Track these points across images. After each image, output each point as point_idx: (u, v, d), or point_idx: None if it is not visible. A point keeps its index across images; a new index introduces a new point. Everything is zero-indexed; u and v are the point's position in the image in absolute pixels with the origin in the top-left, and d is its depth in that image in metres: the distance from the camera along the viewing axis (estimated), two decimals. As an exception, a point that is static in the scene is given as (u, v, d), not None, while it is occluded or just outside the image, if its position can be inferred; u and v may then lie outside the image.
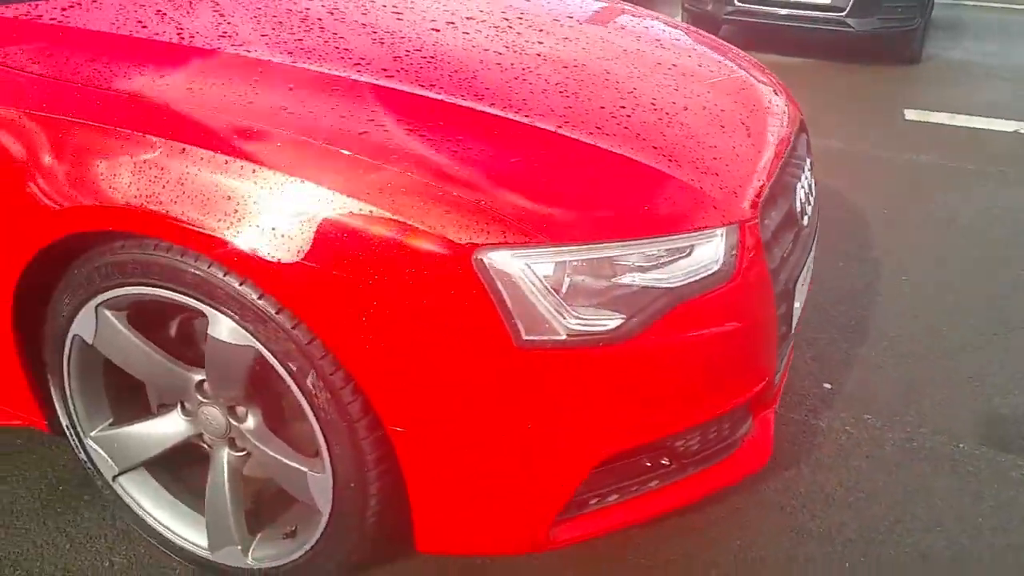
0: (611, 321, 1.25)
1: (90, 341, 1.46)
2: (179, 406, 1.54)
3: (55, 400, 1.58)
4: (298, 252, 1.20)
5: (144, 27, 1.50)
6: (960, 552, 1.73)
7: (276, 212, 1.21)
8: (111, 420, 1.59)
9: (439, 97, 1.40)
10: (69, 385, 1.54)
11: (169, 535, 1.61)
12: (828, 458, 1.98)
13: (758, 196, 1.44)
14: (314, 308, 1.23)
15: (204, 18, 1.57)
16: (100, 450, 1.58)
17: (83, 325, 1.44)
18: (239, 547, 1.53)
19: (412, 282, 1.20)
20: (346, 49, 1.52)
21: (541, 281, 1.21)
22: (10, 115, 1.35)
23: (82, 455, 1.62)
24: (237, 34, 1.52)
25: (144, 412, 1.62)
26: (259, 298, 1.27)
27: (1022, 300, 2.76)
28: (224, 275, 1.27)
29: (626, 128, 1.44)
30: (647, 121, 1.49)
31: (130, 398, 1.61)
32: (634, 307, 1.26)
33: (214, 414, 1.48)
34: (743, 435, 1.58)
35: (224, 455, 1.52)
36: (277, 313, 1.26)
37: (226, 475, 1.51)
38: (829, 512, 1.82)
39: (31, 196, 1.34)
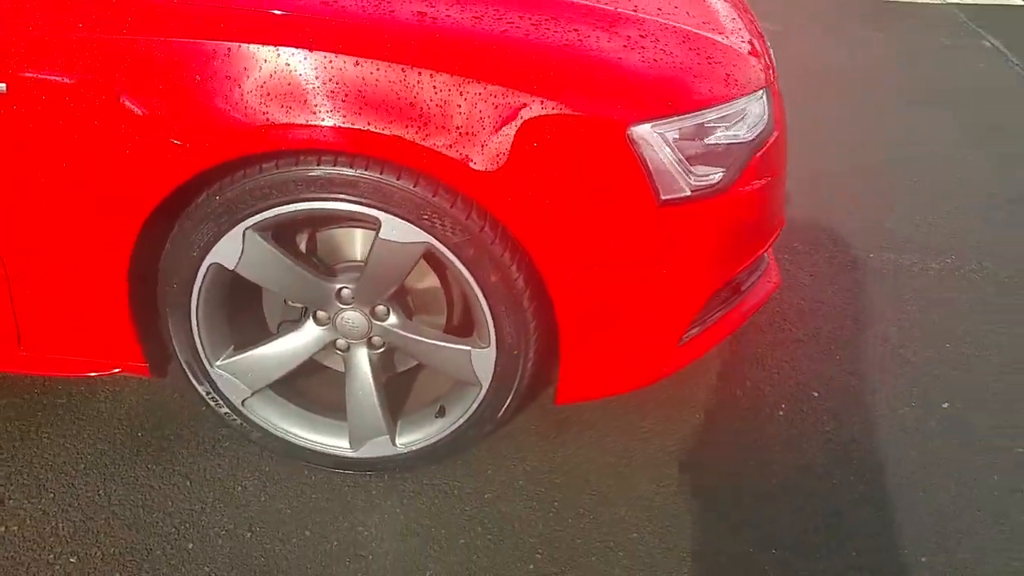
0: (716, 175, 1.52)
1: (231, 267, 1.50)
2: (311, 318, 1.62)
3: (174, 337, 1.60)
4: (471, 145, 1.35)
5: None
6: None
7: (448, 112, 1.34)
8: (233, 347, 1.64)
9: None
10: (197, 317, 1.56)
11: (304, 443, 1.71)
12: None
13: (770, 59, 1.76)
14: (488, 194, 1.38)
15: None
16: (231, 376, 1.63)
17: (224, 252, 1.48)
18: (386, 436, 1.68)
19: (576, 158, 1.39)
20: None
21: (672, 148, 1.46)
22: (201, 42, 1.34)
23: (202, 387, 1.65)
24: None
25: (263, 334, 1.68)
26: (434, 195, 1.40)
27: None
28: (398, 178, 1.39)
29: (676, 8, 1.68)
30: (682, 4, 1.73)
31: (246, 323, 1.66)
32: (727, 161, 1.54)
33: (355, 317, 1.59)
34: (764, 267, 1.95)
35: (364, 355, 1.64)
36: (451, 207, 1.41)
37: (370, 372, 1.64)
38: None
39: (189, 120, 1.35)
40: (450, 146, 1.35)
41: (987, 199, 2.95)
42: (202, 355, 1.61)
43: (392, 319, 1.60)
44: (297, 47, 1.33)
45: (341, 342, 1.64)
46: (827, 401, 1.99)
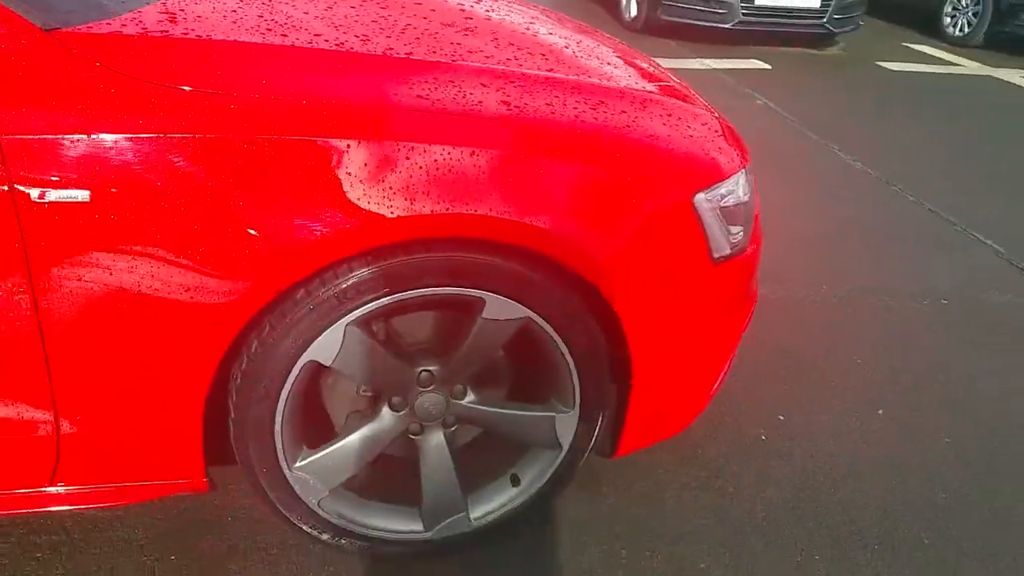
0: (739, 233, 1.74)
1: (328, 363, 1.46)
2: (385, 405, 1.60)
3: (251, 444, 1.50)
4: (568, 220, 1.45)
5: (282, 34, 1.48)
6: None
7: (547, 192, 1.43)
8: (305, 446, 1.57)
9: (605, 83, 1.68)
10: (281, 420, 1.49)
11: (377, 534, 1.66)
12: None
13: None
14: (584, 264, 1.48)
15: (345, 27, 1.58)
16: (308, 477, 1.56)
17: (323, 348, 1.44)
18: (462, 513, 1.68)
19: (654, 226, 1.53)
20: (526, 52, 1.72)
21: (717, 212, 1.65)
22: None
23: (275, 494, 1.56)
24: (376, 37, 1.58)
25: (329, 429, 1.63)
26: (535, 272, 1.47)
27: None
28: (505, 259, 1.45)
29: (665, 86, 1.88)
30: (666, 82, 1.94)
31: (313, 421, 1.60)
32: (743, 220, 1.76)
33: (434, 399, 1.60)
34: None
35: (440, 435, 1.64)
36: (551, 281, 1.49)
37: (447, 451, 1.64)
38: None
39: (304, 218, 1.32)
40: (550, 224, 1.43)
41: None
42: (281, 459, 1.53)
43: (470, 396, 1.63)
44: (411, 141, 1.36)
45: (414, 426, 1.63)
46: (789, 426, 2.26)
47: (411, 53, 1.55)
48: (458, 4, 1.98)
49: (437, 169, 1.37)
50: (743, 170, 1.74)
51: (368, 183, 1.34)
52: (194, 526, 1.75)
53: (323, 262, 1.36)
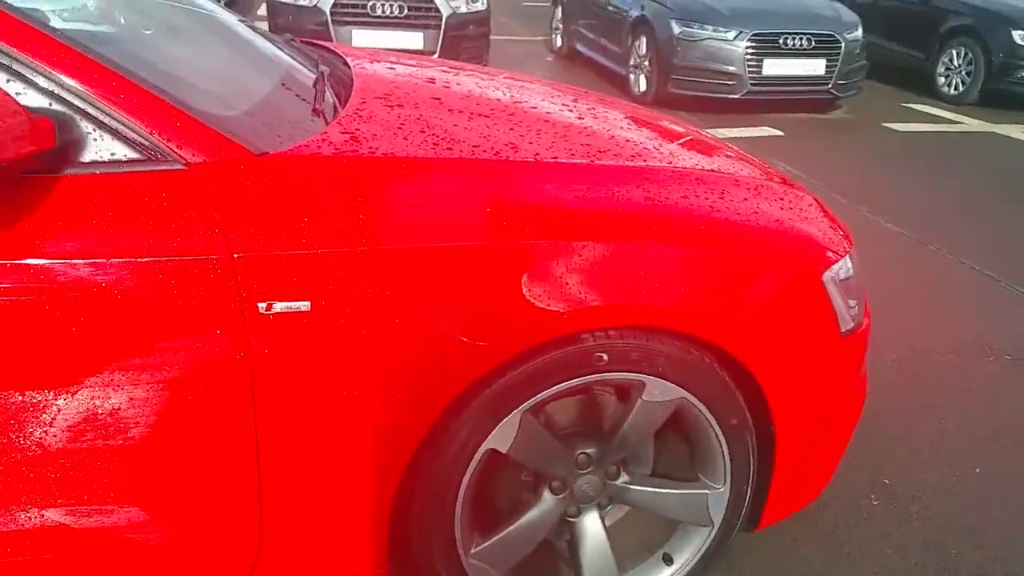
0: (855, 307, 1.83)
1: (504, 450, 1.53)
2: (547, 489, 1.67)
3: (433, 533, 1.56)
4: (720, 305, 1.55)
5: (448, 147, 1.60)
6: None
7: (700, 278, 1.54)
8: (477, 533, 1.63)
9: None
10: (460, 507, 1.55)
11: (540, 620, 1.71)
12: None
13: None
14: (735, 345, 1.57)
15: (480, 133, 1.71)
16: (483, 564, 1.62)
17: (501, 436, 1.52)
18: (622, 594, 1.73)
19: (793, 306, 1.64)
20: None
21: (839, 288, 1.75)
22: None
23: (449, 582, 1.62)
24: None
25: (494, 516, 1.68)
26: (690, 353, 1.56)
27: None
28: (663, 343, 1.54)
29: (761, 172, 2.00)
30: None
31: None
32: (857, 295, 1.86)
33: (592, 481, 1.67)
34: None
35: (596, 516, 1.71)
36: (704, 361, 1.58)
37: (604, 533, 1.70)
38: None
39: (489, 317, 1.41)
40: (704, 308, 1.53)
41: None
42: (458, 547, 1.59)
43: (624, 476, 1.70)
44: (579, 240, 1.47)
45: (572, 508, 1.70)
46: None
47: (556, 157, 1.67)
48: (563, 105, 2.11)
49: (603, 264, 1.47)
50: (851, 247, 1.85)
51: (545, 280, 1.43)
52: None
53: (504, 356, 1.45)
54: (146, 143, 1.30)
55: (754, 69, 7.12)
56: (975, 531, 2.17)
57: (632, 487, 1.71)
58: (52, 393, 1.29)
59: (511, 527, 1.64)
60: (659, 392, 1.58)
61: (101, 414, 1.32)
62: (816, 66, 7.25)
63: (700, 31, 7.17)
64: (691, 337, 1.55)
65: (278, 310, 1.32)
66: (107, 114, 1.28)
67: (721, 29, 7.14)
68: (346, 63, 2.10)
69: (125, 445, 1.34)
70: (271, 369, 1.35)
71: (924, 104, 8.50)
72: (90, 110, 1.27)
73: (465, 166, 1.55)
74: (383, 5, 6.72)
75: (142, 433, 1.34)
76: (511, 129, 1.78)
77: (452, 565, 1.60)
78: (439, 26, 6.83)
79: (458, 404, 1.47)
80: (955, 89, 8.75)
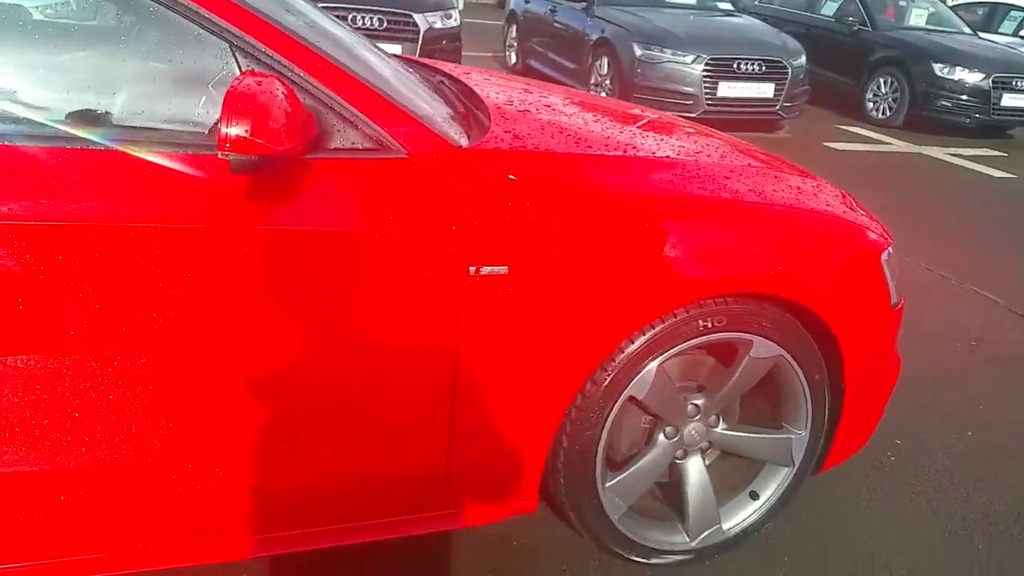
0: (894, 289, 2.21)
1: (640, 397, 1.83)
2: (661, 434, 1.97)
3: (576, 467, 1.84)
4: (817, 275, 1.89)
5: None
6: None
7: (807, 254, 1.88)
8: (609, 470, 1.92)
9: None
10: (600, 444, 1.84)
11: (654, 546, 2.00)
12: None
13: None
14: (827, 310, 1.91)
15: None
16: (614, 496, 1.91)
17: (640, 384, 1.81)
18: (718, 525, 2.04)
19: (863, 279, 1.99)
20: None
21: (890, 269, 2.12)
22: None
23: (588, 510, 1.89)
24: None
25: (619, 457, 1.98)
26: (793, 317, 1.90)
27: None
28: (774, 307, 1.87)
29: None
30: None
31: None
32: (895, 277, 2.23)
33: (698, 428, 1.98)
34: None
35: (698, 459, 2.02)
36: (802, 324, 1.91)
37: (705, 473, 2.02)
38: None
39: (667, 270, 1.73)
40: (800, 278, 1.87)
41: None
42: (598, 480, 1.87)
43: (722, 424, 2.02)
44: (710, 221, 1.79)
45: (680, 452, 2.00)
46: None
47: (667, 156, 1.99)
48: (641, 113, 2.44)
49: (724, 242, 1.80)
50: None
51: (683, 253, 1.75)
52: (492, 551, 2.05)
53: (651, 317, 1.75)
54: (378, 136, 1.56)
55: (710, 90, 7.63)
56: (978, 478, 2.57)
57: (731, 433, 2.03)
58: (314, 338, 1.53)
59: (636, 465, 1.94)
60: (763, 350, 1.90)
61: (339, 356, 1.56)
62: (766, 89, 7.81)
63: (660, 54, 7.65)
64: (789, 302, 1.88)
65: (484, 273, 1.60)
66: (351, 112, 1.54)
67: (680, 53, 7.63)
68: (453, 75, 2.38)
69: (367, 381, 1.60)
70: (475, 322, 1.62)
71: (856, 126, 9.21)
72: (338, 108, 1.53)
73: (608, 161, 1.85)
74: (364, 18, 6.94)
75: (376, 375, 1.60)
76: (621, 131, 2.09)
77: (591, 496, 1.89)
78: (416, 39, 7.09)
79: (611, 355, 1.77)
80: (883, 113, 9.50)
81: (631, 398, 1.83)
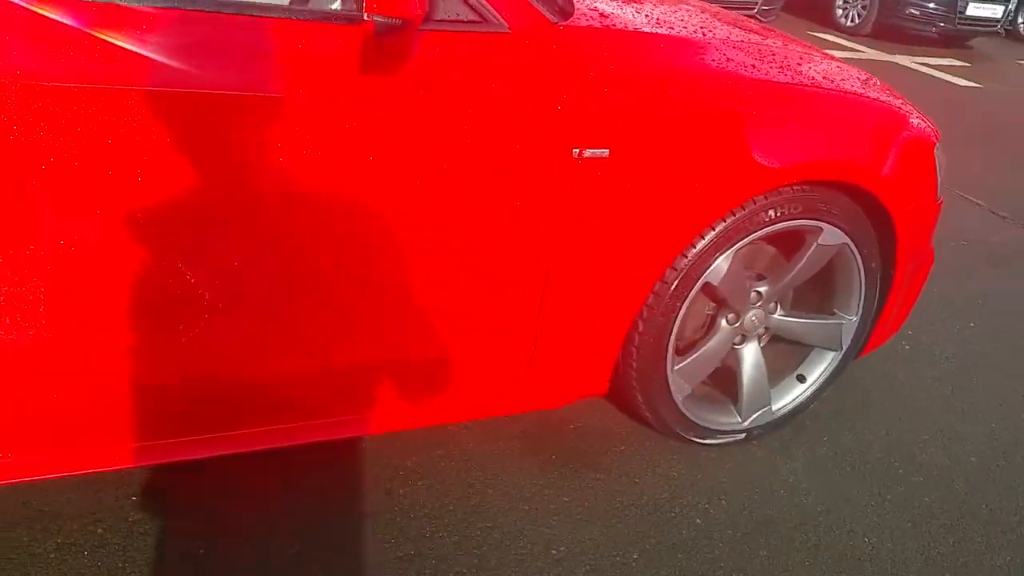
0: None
1: (715, 283, 1.87)
2: (723, 320, 2.02)
3: (650, 349, 1.89)
4: (882, 166, 1.93)
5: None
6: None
7: (875, 145, 1.91)
8: (673, 353, 1.97)
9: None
10: (672, 329, 1.88)
11: (711, 426, 2.09)
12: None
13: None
14: (889, 199, 1.95)
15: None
16: (680, 379, 1.96)
17: (717, 271, 1.85)
18: (768, 406, 2.13)
19: (920, 168, 2.04)
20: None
21: (939, 161, 2.16)
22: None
23: (656, 391, 1.95)
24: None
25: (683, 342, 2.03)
26: (860, 207, 1.94)
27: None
28: (846, 195, 1.91)
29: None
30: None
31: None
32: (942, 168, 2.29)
33: (758, 314, 2.04)
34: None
35: (755, 345, 2.09)
36: (867, 214, 1.96)
37: (761, 358, 2.09)
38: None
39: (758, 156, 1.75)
40: (868, 164, 1.91)
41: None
42: (668, 361, 1.92)
43: (780, 311, 2.08)
44: (784, 110, 1.80)
45: (738, 337, 2.07)
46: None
47: (743, 39, 1.98)
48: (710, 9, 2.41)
49: (799, 129, 1.82)
50: None
51: (761, 141, 1.76)
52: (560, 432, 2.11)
53: (732, 204, 1.78)
54: (480, 8, 1.50)
55: (689, -9, 7.52)
56: (988, 357, 2.73)
57: (787, 319, 2.09)
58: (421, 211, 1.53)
59: (700, 350, 2.00)
60: (831, 237, 1.95)
61: (442, 228, 1.55)
62: (745, -9, 7.73)
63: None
64: (858, 189, 1.92)
65: (587, 156, 1.59)
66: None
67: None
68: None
69: (465, 255, 1.60)
70: (573, 204, 1.62)
71: (826, 33, 9.22)
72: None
73: (689, 41, 1.83)
74: None
75: (475, 250, 1.59)
76: (690, 15, 2.06)
77: (660, 378, 1.94)
78: None
79: (693, 242, 1.79)
80: (851, 21, 9.53)
81: (706, 284, 1.86)
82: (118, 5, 1.24)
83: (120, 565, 1.59)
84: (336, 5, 1.31)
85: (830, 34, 9.22)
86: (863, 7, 9.41)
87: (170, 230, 1.35)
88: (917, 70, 8.01)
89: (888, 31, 9.26)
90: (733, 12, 2.57)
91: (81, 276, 1.32)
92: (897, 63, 8.18)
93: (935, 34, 9.33)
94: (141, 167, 1.28)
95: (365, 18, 1.26)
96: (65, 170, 1.23)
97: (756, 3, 7.84)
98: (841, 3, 9.60)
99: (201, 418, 1.57)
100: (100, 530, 1.66)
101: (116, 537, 1.65)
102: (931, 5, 9.13)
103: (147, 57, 1.25)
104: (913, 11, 9.14)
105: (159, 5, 1.27)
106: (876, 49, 8.70)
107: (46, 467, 1.50)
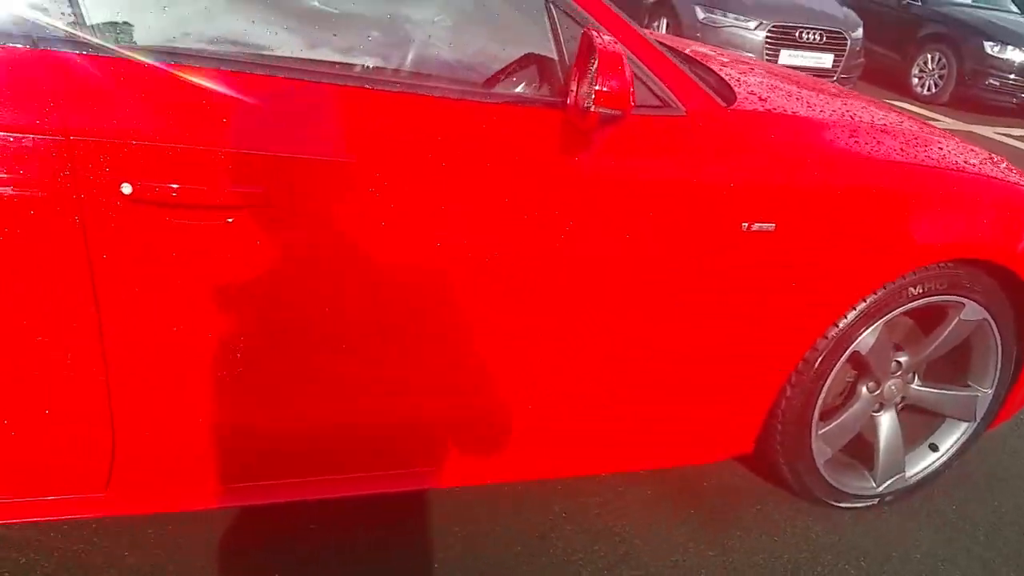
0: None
1: (864, 352, 1.96)
2: (864, 388, 2.10)
3: (798, 412, 1.97)
4: (1016, 243, 2.01)
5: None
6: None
7: (1010, 224, 1.99)
8: (818, 419, 2.05)
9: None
10: (819, 397, 1.97)
11: (846, 490, 2.15)
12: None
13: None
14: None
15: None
16: (823, 443, 2.04)
17: (865, 341, 1.94)
18: (902, 473, 2.19)
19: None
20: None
21: None
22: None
23: (798, 453, 2.03)
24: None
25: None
26: (1000, 284, 2.02)
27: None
28: (988, 274, 1.99)
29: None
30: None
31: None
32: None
33: (897, 383, 2.12)
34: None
35: (893, 413, 2.16)
36: (1003, 290, 2.03)
37: (897, 426, 2.16)
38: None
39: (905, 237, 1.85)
40: (1006, 243, 1.98)
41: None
42: (812, 427, 2.01)
43: (916, 381, 2.16)
44: (934, 192, 1.89)
45: (876, 405, 2.14)
46: None
47: (887, 123, 2.09)
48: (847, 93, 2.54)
49: (949, 210, 1.91)
50: None
51: (920, 218, 1.86)
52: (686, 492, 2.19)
53: (886, 277, 1.87)
54: (663, 95, 1.65)
55: (771, 58, 7.68)
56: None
57: (924, 389, 2.16)
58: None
59: (843, 416, 2.08)
60: (972, 313, 2.03)
61: (632, 293, 1.69)
62: (825, 60, 7.86)
63: (723, 18, 7.67)
64: (996, 265, 1.99)
65: (754, 229, 1.71)
66: (643, 71, 1.63)
67: (743, 18, 7.66)
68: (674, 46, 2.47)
69: (640, 322, 1.74)
70: (738, 274, 1.73)
71: (902, 102, 9.26)
72: (637, 72, 1.62)
73: (843, 125, 1.95)
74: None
75: (651, 317, 1.73)
76: (842, 102, 2.18)
77: (805, 442, 2.02)
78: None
79: (845, 313, 1.89)
80: (928, 90, 9.57)
81: (854, 353, 1.95)
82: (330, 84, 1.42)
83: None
84: (587, 102, 1.46)
85: (907, 102, 9.26)
86: (940, 76, 9.45)
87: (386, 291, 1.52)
88: (1002, 142, 8.01)
89: (966, 101, 9.28)
90: (865, 96, 2.69)
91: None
92: (977, 133, 8.18)
93: (1015, 105, 9.31)
94: (373, 230, 1.44)
95: (593, 109, 1.40)
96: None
97: (835, 72, 7.95)
98: (918, 72, 9.66)
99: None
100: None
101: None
102: (1012, 76, 9.13)
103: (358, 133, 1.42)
104: (993, 81, 9.15)
105: (367, 87, 1.45)
106: (954, 119, 8.71)
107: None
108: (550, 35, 1.57)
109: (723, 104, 1.75)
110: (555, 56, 1.57)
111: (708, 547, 2.01)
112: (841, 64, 7.96)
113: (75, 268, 1.30)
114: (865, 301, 1.89)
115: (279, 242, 1.39)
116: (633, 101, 1.46)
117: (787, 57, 7.72)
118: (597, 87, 1.39)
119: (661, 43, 1.89)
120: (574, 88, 1.49)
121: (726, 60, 2.44)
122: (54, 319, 1.33)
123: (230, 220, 1.32)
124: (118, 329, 1.37)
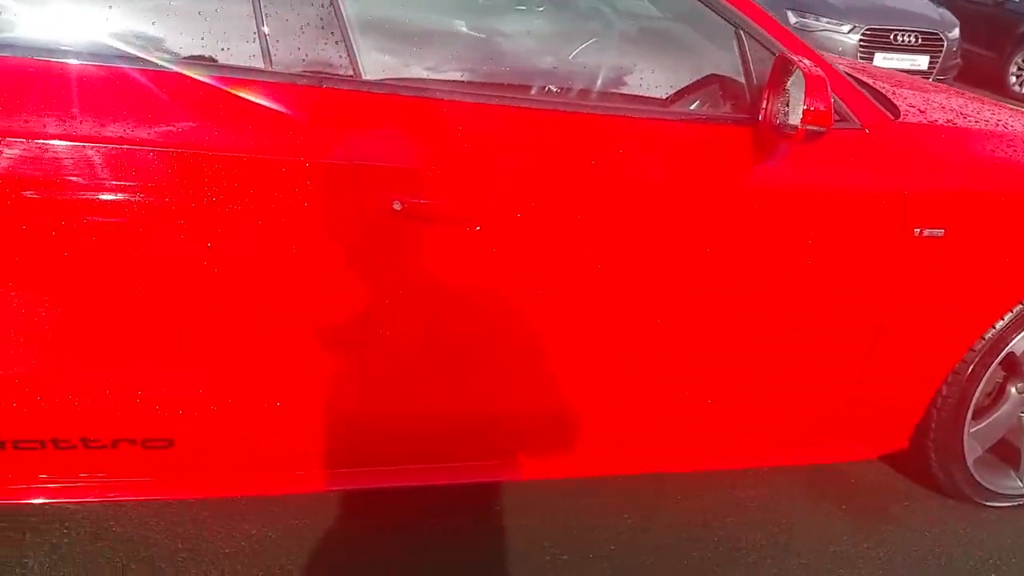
0: None
1: (1018, 353, 2.04)
2: (1013, 388, 2.17)
3: (949, 414, 2.06)
4: None
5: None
6: None
7: None
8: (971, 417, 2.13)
9: None
10: (979, 392, 2.05)
11: (994, 489, 2.22)
12: None
13: None
14: None
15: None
16: (974, 442, 2.13)
17: (1019, 343, 2.02)
18: (1047, 473, 2.26)
19: None
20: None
21: None
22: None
23: (950, 450, 2.11)
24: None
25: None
26: None
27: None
28: None
29: None
30: None
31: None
32: None
33: (1049, 386, 2.18)
34: None
35: (1039, 414, 2.23)
36: None
37: (1048, 427, 2.23)
38: None
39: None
40: None
41: None
42: (965, 426, 2.09)
43: (1068, 387, 2.22)
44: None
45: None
46: None
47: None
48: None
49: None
50: None
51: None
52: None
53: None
54: (842, 111, 1.77)
55: (865, 61, 7.63)
56: None
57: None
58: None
59: (994, 415, 2.15)
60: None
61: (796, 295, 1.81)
62: (920, 61, 7.79)
63: (815, 22, 7.67)
64: None
65: (925, 235, 1.81)
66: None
67: (836, 21, 7.65)
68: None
69: (807, 322, 1.85)
70: (909, 277, 1.84)
71: (1000, 100, 9.08)
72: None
73: (999, 135, 2.03)
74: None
75: (817, 317, 1.84)
76: (991, 112, 2.26)
77: (957, 439, 2.11)
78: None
79: (1002, 315, 1.97)
80: (1025, 88, 9.36)
81: (1009, 355, 2.03)
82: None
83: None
84: (782, 119, 1.60)
85: (1004, 102, 9.07)
86: (1039, 75, 9.24)
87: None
88: (1105, 141, 7.80)
89: (1066, 99, 9.05)
90: (1007, 105, 2.74)
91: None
92: (1081, 133, 7.98)
93: (1118, 103, 9.04)
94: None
95: (799, 127, 1.54)
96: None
97: (931, 74, 7.86)
98: (1016, 70, 9.45)
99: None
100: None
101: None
102: (1116, 74, 8.87)
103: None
104: (1096, 79, 8.91)
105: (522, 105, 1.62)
106: (1056, 118, 8.51)
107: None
108: (738, 58, 1.70)
109: (892, 117, 1.86)
110: (742, 78, 1.71)
111: (864, 539, 2.11)
112: (938, 65, 7.87)
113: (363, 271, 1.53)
114: (1022, 304, 1.97)
115: (521, 249, 1.59)
116: (833, 119, 1.59)
117: (881, 60, 7.67)
118: (805, 106, 1.52)
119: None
120: (765, 106, 1.62)
121: (876, 74, 2.53)
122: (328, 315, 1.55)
123: (478, 228, 1.51)
124: (384, 321, 1.58)
